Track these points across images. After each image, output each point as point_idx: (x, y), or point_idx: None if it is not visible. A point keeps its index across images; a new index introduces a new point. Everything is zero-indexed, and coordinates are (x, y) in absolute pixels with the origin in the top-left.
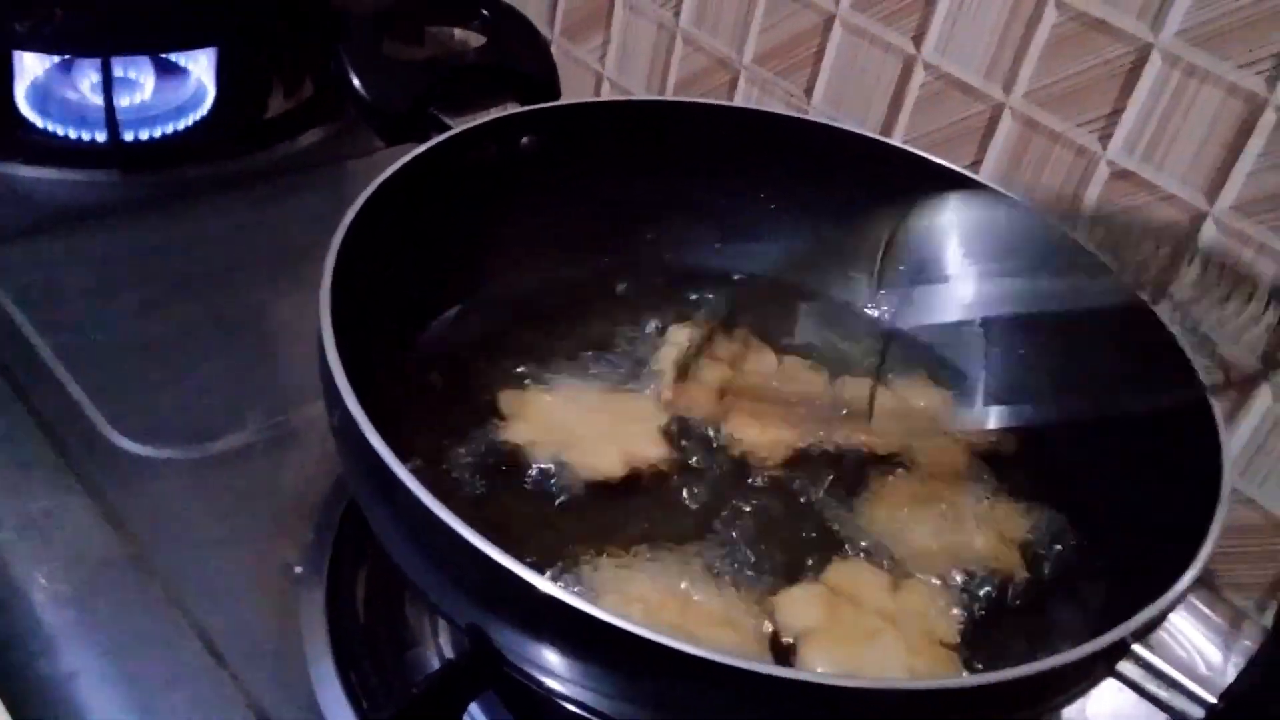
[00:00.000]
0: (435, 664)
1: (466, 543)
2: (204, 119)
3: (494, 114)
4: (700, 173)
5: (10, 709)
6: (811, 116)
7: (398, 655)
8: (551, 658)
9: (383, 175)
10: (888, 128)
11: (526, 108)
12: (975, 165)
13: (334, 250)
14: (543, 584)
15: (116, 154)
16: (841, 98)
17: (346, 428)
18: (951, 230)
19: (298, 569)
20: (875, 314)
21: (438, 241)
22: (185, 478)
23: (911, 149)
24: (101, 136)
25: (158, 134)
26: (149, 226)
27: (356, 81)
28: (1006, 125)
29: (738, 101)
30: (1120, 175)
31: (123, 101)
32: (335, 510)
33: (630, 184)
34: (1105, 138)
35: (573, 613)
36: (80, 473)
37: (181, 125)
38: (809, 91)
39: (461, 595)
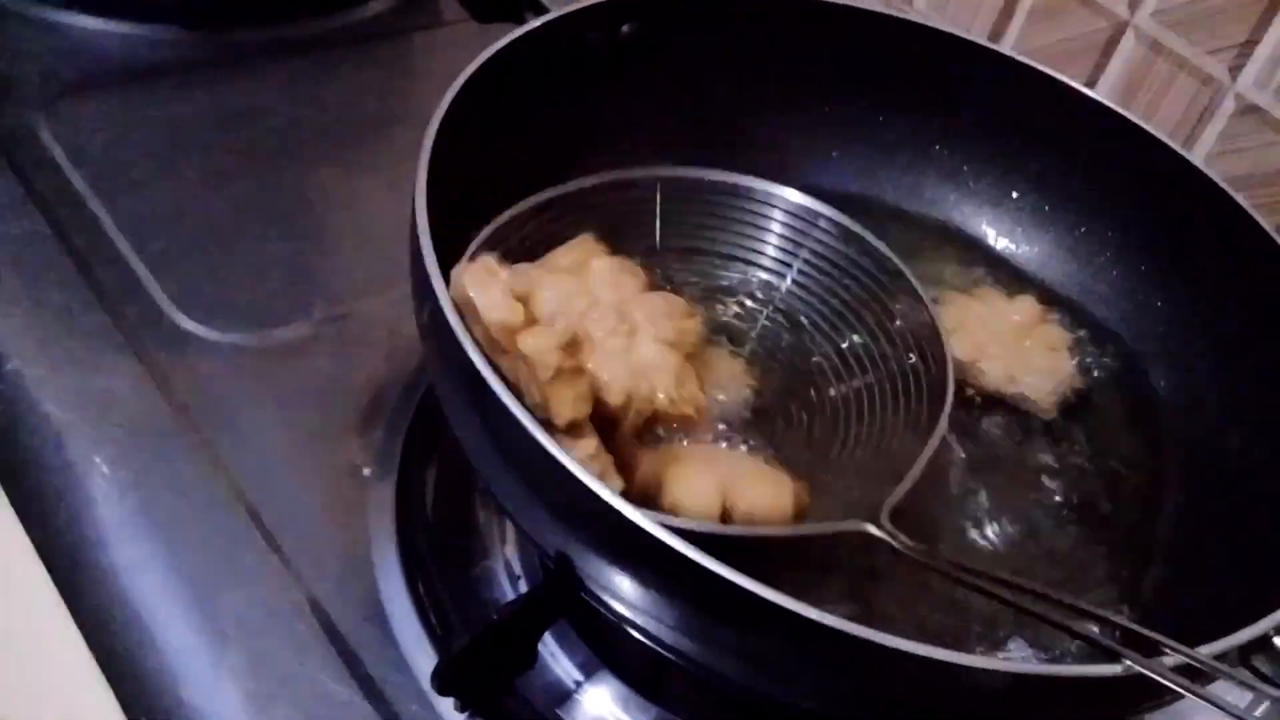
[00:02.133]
0: (503, 579)
1: (559, 463)
2: None
3: None
4: (804, 75)
5: (66, 597)
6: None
7: (465, 569)
8: (635, 591)
9: (480, 58)
10: (995, 36)
11: None
12: (1088, 86)
13: (430, 136)
14: (638, 516)
15: (178, 8)
16: (947, 2)
17: (439, 327)
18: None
19: (366, 471)
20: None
21: (528, 129)
22: (248, 365)
23: (1026, 60)
24: None
25: None
26: (209, 92)
27: None
28: (1128, 45)
29: None
30: (1247, 110)
31: None
32: (404, 413)
33: (734, 81)
34: (1235, 69)
35: (666, 549)
36: (142, 352)
37: None
38: None
39: (549, 519)
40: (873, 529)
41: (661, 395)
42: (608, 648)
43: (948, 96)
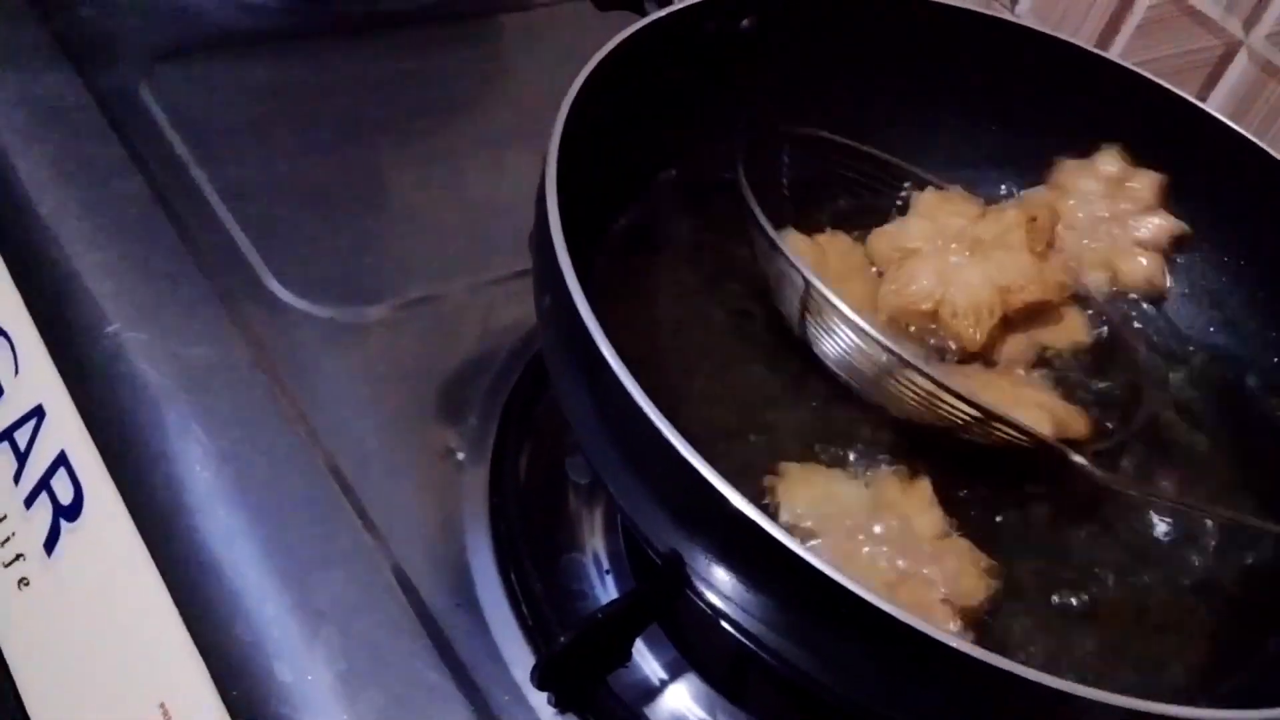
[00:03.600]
0: (591, 571)
1: (685, 461)
2: None
3: None
4: (919, 76)
5: (160, 565)
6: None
7: (554, 558)
8: (751, 597)
9: (607, 46)
10: (1101, 48)
11: None
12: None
13: (560, 122)
14: (762, 520)
15: None
16: (1050, 9)
17: (562, 314)
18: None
19: (459, 455)
20: None
21: (645, 120)
22: (344, 341)
23: (1140, 70)
24: None
25: None
26: (307, 61)
27: None
28: (1240, 65)
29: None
30: None
31: None
32: (497, 399)
33: (847, 81)
34: None
35: (790, 556)
36: (240, 322)
37: None
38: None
39: (666, 517)
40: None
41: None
42: (696, 648)
43: (1062, 106)
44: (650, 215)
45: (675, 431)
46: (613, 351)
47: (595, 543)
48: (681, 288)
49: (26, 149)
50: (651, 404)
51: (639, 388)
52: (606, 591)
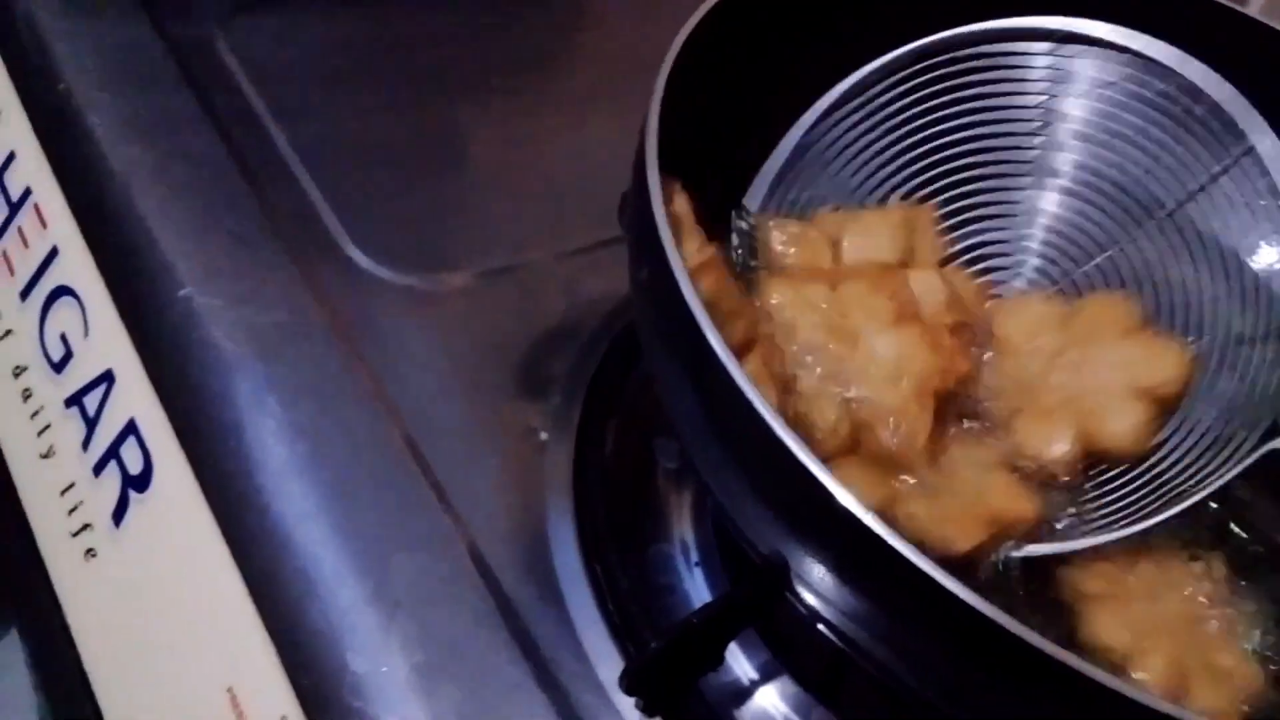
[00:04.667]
0: (679, 563)
1: (797, 460)
2: None
3: None
4: None
5: (231, 545)
6: None
7: (641, 549)
8: (859, 604)
9: (708, 4)
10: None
11: None
12: None
13: (659, 87)
14: (877, 525)
15: None
16: None
17: (661, 289)
18: None
19: (542, 435)
20: None
21: (743, 84)
22: (421, 310)
23: None
24: None
25: None
26: (385, 17)
27: None
28: None
29: None
30: None
31: None
32: (582, 377)
33: None
34: None
35: (912, 570)
36: (316, 288)
37: None
38: None
39: (770, 516)
40: None
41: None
42: (790, 649)
43: None
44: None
45: (784, 425)
46: (716, 334)
47: (684, 532)
48: None
49: (101, 101)
50: (759, 394)
51: (746, 377)
52: (695, 586)
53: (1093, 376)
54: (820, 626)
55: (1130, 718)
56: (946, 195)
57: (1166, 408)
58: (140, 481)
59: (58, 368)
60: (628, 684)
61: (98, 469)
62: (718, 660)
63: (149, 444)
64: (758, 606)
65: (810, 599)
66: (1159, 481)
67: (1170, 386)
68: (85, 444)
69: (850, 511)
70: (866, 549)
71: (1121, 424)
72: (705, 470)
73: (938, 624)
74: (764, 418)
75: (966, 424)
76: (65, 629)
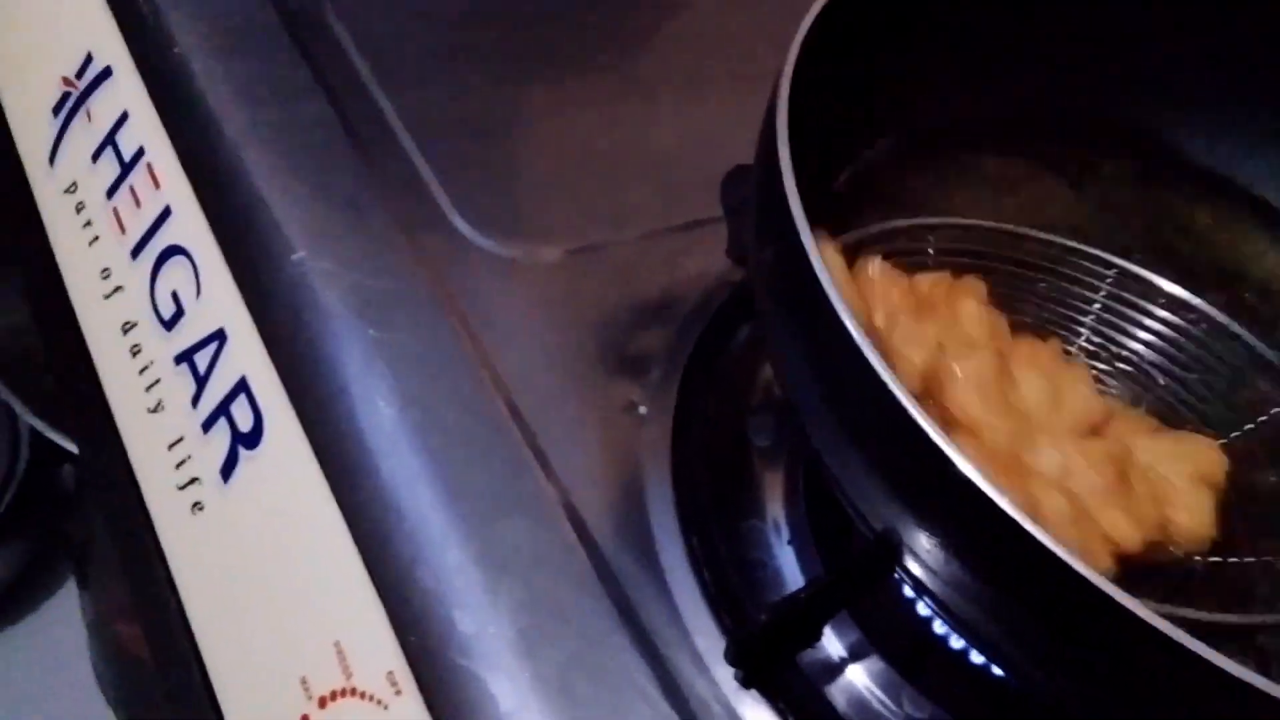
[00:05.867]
0: (771, 538)
1: (926, 436)
2: None
3: None
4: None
5: (341, 504)
6: None
7: (736, 524)
8: (970, 579)
9: None
10: None
11: None
12: None
13: (791, 59)
14: (1000, 498)
15: None
16: None
17: (790, 270)
18: None
19: (641, 409)
20: None
21: (875, 64)
22: (526, 282)
23: None
24: None
25: None
26: None
27: None
28: None
29: None
30: None
31: None
32: (681, 353)
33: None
34: None
35: (1029, 540)
36: (424, 257)
37: None
38: None
39: (886, 489)
40: None
41: None
42: (882, 629)
43: None
44: (878, 172)
45: (908, 394)
46: (848, 310)
47: (776, 510)
48: None
49: (211, 67)
50: (892, 374)
51: (879, 356)
52: (787, 563)
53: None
54: (927, 602)
55: (1251, 705)
56: None
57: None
58: (250, 439)
59: (168, 325)
60: (733, 655)
61: (207, 425)
62: (816, 636)
63: (260, 403)
64: (865, 583)
65: (922, 574)
66: None
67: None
68: (195, 401)
69: (975, 484)
70: (989, 521)
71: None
72: (824, 448)
73: (1051, 599)
74: (892, 390)
75: None
76: (170, 580)
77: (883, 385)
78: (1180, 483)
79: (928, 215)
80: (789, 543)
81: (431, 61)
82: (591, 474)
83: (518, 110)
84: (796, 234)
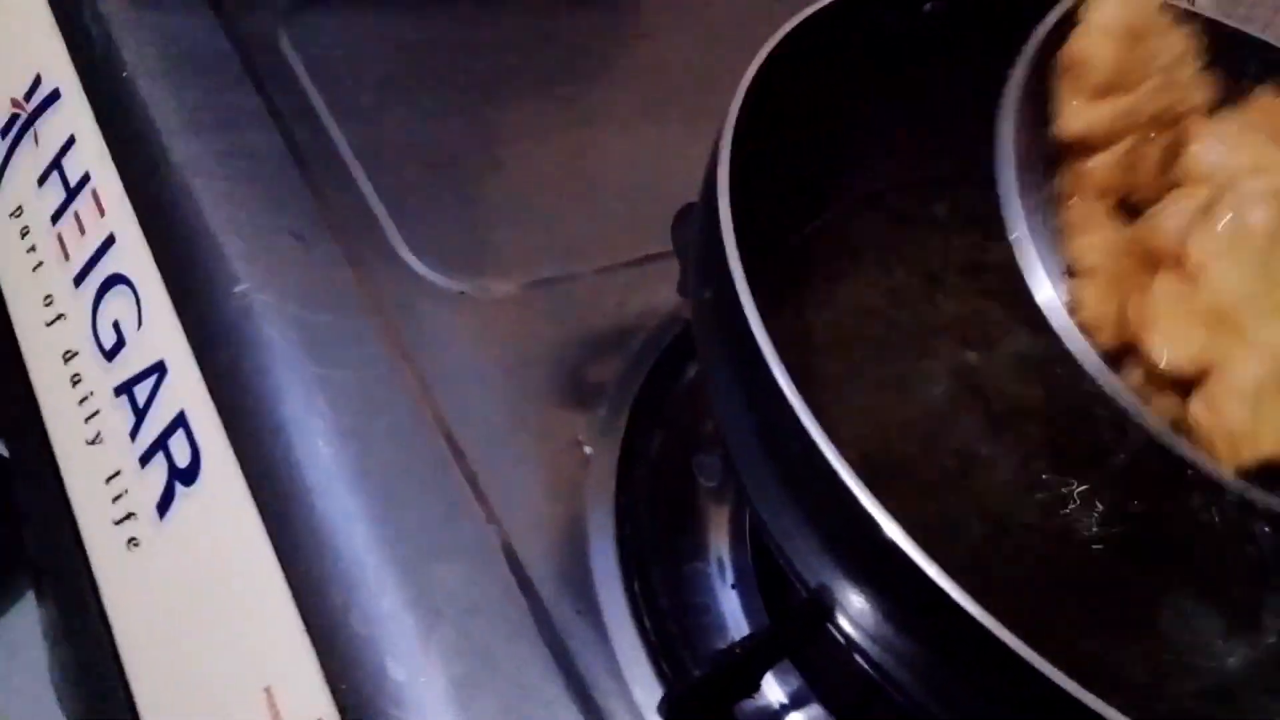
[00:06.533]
0: (716, 584)
1: (848, 490)
2: None
3: None
4: None
5: (275, 544)
6: None
7: (679, 567)
8: (905, 642)
9: (783, 29)
10: None
11: None
12: None
13: (736, 106)
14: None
15: None
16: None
17: (725, 311)
18: None
19: (587, 449)
20: None
21: (811, 120)
22: (473, 317)
23: None
24: None
25: None
26: (447, 19)
27: None
28: None
29: None
30: None
31: None
32: (628, 392)
33: None
34: None
35: (952, 606)
36: (371, 291)
37: None
38: None
39: (819, 547)
40: None
41: None
42: (823, 678)
43: None
44: (829, 224)
45: (838, 455)
46: (778, 359)
47: (720, 551)
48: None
49: (161, 93)
50: (818, 424)
51: (804, 404)
52: (730, 606)
53: None
54: (859, 659)
55: None
56: None
57: None
58: (187, 475)
59: (109, 355)
60: (668, 711)
61: (144, 459)
62: (755, 687)
63: (198, 438)
64: (801, 638)
65: (853, 632)
66: None
67: None
68: (133, 433)
69: (901, 548)
70: (916, 587)
71: None
72: (758, 499)
73: (981, 666)
74: (821, 449)
75: None
76: (103, 615)
77: (813, 443)
78: None
79: None
80: (732, 586)
81: (385, 92)
82: (533, 515)
83: (472, 142)
84: (731, 280)
